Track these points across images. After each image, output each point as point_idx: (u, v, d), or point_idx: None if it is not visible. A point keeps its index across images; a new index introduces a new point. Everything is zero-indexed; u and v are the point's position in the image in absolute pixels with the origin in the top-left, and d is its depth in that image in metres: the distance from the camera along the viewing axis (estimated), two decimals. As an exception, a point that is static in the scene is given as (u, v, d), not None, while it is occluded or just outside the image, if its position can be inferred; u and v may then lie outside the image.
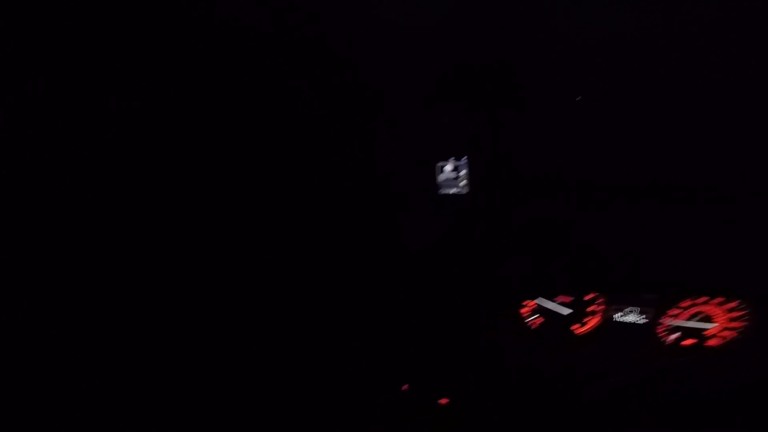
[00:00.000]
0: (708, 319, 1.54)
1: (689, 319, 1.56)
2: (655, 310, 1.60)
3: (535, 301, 1.72)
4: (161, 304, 1.49)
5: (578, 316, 1.67)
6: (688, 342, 1.56)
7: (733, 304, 1.52)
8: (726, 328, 1.52)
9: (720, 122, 1.43)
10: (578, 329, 1.66)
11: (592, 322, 1.66)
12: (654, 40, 1.34)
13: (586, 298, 1.68)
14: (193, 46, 1.41)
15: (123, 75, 1.37)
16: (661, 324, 1.59)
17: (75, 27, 1.28)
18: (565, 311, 1.68)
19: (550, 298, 1.70)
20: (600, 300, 1.66)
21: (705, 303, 1.55)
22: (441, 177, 1.72)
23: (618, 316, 1.64)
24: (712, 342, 1.53)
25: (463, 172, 1.70)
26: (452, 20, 1.41)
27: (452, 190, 1.72)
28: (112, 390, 1.41)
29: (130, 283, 1.46)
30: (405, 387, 1.63)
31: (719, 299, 1.54)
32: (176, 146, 1.52)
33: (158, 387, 1.47)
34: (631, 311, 1.62)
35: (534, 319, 1.72)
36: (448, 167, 1.71)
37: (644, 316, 1.61)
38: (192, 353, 1.51)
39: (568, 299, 1.69)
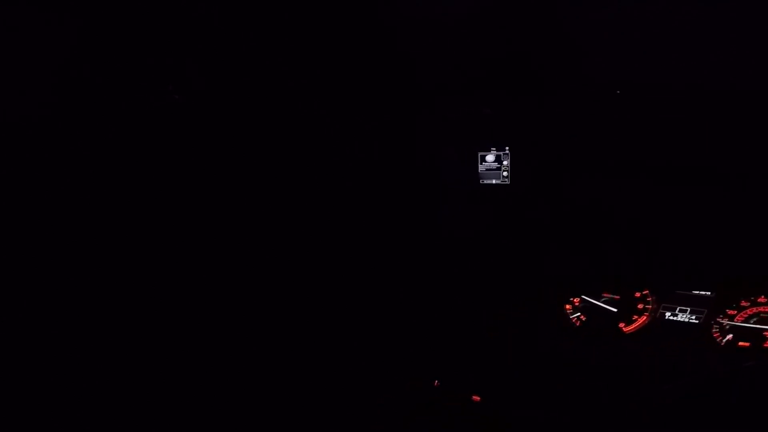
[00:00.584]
0: (767, 320, 1.45)
1: (746, 320, 1.48)
2: (709, 309, 1.52)
3: (580, 298, 1.66)
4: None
5: (626, 314, 1.60)
6: (744, 344, 1.47)
7: (795, 305, 1.44)
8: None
9: None
10: (626, 328, 1.59)
11: (641, 321, 1.58)
12: (691, 28, 1.28)
13: (636, 295, 1.61)
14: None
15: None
16: (715, 324, 1.50)
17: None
18: (613, 309, 1.61)
19: (597, 296, 1.64)
20: (650, 298, 1.59)
21: (765, 303, 1.47)
22: (482, 167, 1.68)
23: (669, 315, 1.56)
24: (770, 344, 1.44)
25: (505, 163, 1.66)
26: (490, 8, 1.37)
27: (494, 181, 1.68)
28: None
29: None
30: (436, 383, 1.58)
31: (780, 299, 1.46)
32: (199, 142, 1.52)
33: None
34: (682, 310, 1.55)
35: (578, 317, 1.66)
36: (490, 157, 1.67)
37: (697, 316, 1.53)
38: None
39: (616, 297, 1.62)
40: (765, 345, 1.42)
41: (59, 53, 1.27)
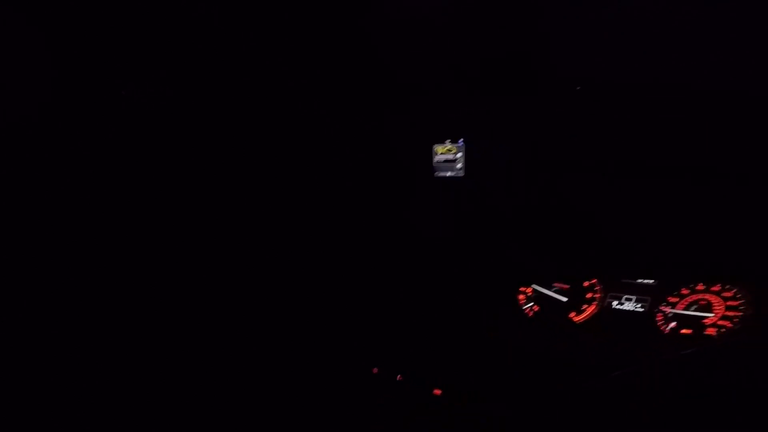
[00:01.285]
0: (706, 308, 1.52)
1: (687, 307, 1.55)
2: (652, 297, 1.58)
3: (532, 287, 1.68)
4: (159, 301, 1.45)
5: (576, 303, 1.64)
6: (686, 332, 1.54)
7: (730, 293, 1.51)
8: (724, 317, 1.50)
9: (722, 107, 1.41)
10: (576, 317, 1.63)
11: (590, 310, 1.63)
12: (663, 27, 1.30)
13: (585, 285, 1.65)
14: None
15: (121, 75, 1.30)
16: (659, 312, 1.57)
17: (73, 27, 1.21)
18: (563, 298, 1.65)
19: (548, 285, 1.67)
20: (597, 287, 1.64)
21: (703, 291, 1.54)
22: (436, 159, 1.65)
23: (616, 304, 1.61)
24: (710, 331, 1.52)
25: (459, 155, 1.64)
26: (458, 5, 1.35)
27: (448, 173, 1.66)
28: (112, 390, 1.39)
29: (125, 281, 1.44)
30: (399, 377, 1.58)
31: (716, 287, 1.53)
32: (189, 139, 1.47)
33: (157, 387, 1.45)
34: (628, 299, 1.60)
35: (531, 307, 1.68)
36: (445, 149, 1.65)
37: (642, 304, 1.59)
38: (192, 351, 1.47)
39: (565, 286, 1.66)
40: (705, 333, 1.50)
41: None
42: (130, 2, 1.23)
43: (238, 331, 1.54)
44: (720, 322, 1.50)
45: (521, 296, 1.70)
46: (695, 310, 1.53)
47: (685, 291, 1.56)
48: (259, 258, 1.61)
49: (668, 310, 1.56)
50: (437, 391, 1.55)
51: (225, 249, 1.56)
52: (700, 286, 1.55)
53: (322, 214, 1.66)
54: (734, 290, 1.50)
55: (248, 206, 1.62)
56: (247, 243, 1.60)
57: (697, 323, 1.53)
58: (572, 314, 1.64)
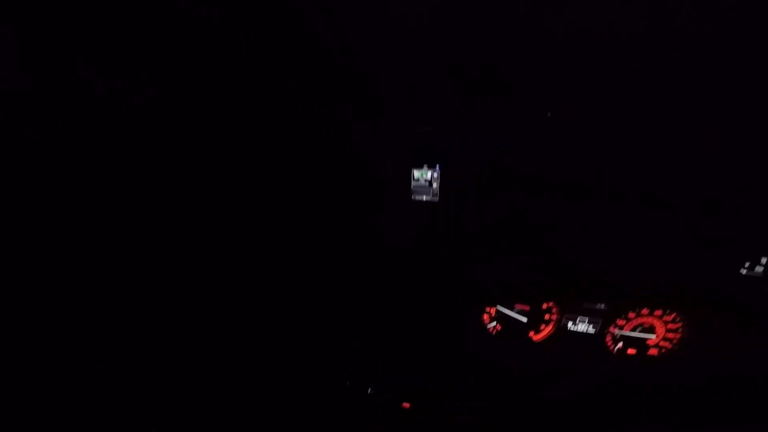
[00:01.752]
0: (650, 330, 1.69)
1: (633, 329, 1.70)
2: (603, 320, 1.73)
3: (496, 308, 1.80)
4: (143, 310, 1.43)
5: (535, 323, 1.77)
6: (632, 351, 1.70)
7: (670, 317, 1.68)
8: (665, 338, 1.67)
9: (683, 137, 1.50)
10: (535, 336, 1.76)
11: (547, 330, 1.76)
12: (640, 51, 1.33)
13: (543, 306, 1.78)
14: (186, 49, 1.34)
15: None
16: (608, 333, 1.72)
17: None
18: (523, 319, 1.77)
19: (510, 306, 1.79)
20: (554, 309, 1.77)
21: (647, 315, 1.70)
22: (414, 184, 1.74)
23: (571, 325, 1.75)
24: (652, 351, 1.68)
25: (435, 180, 1.74)
26: (436, 22, 1.36)
27: (425, 197, 1.75)
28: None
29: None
30: (370, 390, 1.64)
31: (658, 312, 1.69)
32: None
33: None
34: (582, 320, 1.74)
35: (494, 326, 1.80)
36: (422, 174, 1.74)
37: (593, 326, 1.73)
38: (178, 361, 1.46)
39: (526, 308, 1.78)
40: (649, 353, 1.66)
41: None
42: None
43: (215, 341, 1.54)
44: (662, 343, 1.67)
45: (485, 315, 1.81)
46: (640, 332, 1.69)
47: (631, 314, 1.72)
48: (229, 276, 1.60)
49: (616, 331, 1.71)
50: (406, 405, 1.63)
51: (197, 264, 1.55)
52: (645, 311, 1.71)
53: (294, 229, 1.68)
54: (674, 314, 1.67)
55: (223, 223, 1.61)
56: (217, 264, 1.59)
57: (641, 344, 1.69)
58: (531, 333, 1.77)
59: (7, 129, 1.21)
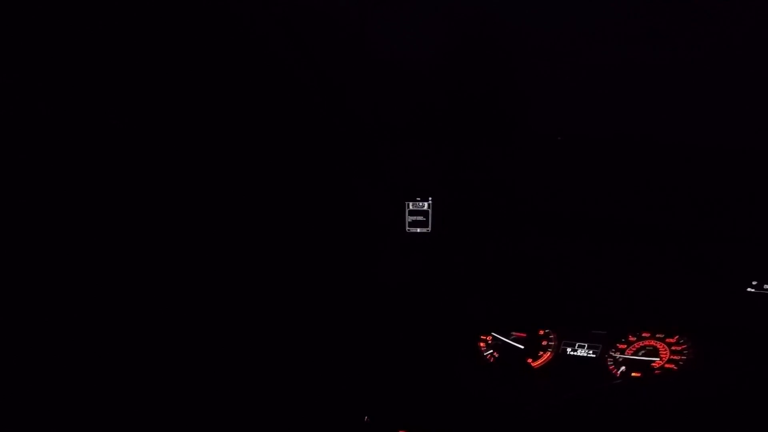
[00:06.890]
0: (653, 353, 1.62)
1: (635, 353, 1.64)
2: (603, 345, 1.69)
3: (491, 335, 1.79)
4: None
5: (533, 350, 1.74)
6: (636, 374, 1.62)
7: (673, 339, 1.62)
8: (670, 360, 1.60)
9: (680, 164, 1.52)
10: (534, 363, 1.72)
11: (546, 356, 1.72)
12: (638, 84, 1.32)
13: (540, 333, 1.75)
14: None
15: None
16: (609, 357, 1.66)
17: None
18: (520, 346, 1.75)
19: (506, 334, 1.78)
20: (552, 335, 1.74)
21: (649, 338, 1.65)
22: (409, 217, 1.85)
23: (570, 351, 1.71)
24: (657, 374, 1.60)
25: (428, 212, 1.83)
26: (434, 56, 1.36)
27: (419, 230, 1.84)
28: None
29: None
30: (366, 419, 1.62)
31: (660, 334, 1.64)
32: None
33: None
34: (581, 345, 1.70)
35: (492, 353, 1.77)
36: (417, 207, 1.84)
37: (593, 351, 1.69)
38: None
39: (522, 335, 1.76)
40: (655, 374, 1.59)
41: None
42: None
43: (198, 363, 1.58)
44: (667, 366, 1.60)
45: (482, 344, 1.80)
46: (643, 355, 1.63)
47: (632, 338, 1.67)
48: (223, 305, 1.66)
49: (617, 355, 1.66)
50: (401, 432, 1.59)
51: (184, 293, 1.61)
52: (646, 333, 1.66)
53: (289, 261, 1.76)
54: (676, 336, 1.62)
55: (213, 258, 1.67)
56: (208, 293, 1.65)
57: (646, 367, 1.62)
58: (529, 360, 1.73)
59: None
